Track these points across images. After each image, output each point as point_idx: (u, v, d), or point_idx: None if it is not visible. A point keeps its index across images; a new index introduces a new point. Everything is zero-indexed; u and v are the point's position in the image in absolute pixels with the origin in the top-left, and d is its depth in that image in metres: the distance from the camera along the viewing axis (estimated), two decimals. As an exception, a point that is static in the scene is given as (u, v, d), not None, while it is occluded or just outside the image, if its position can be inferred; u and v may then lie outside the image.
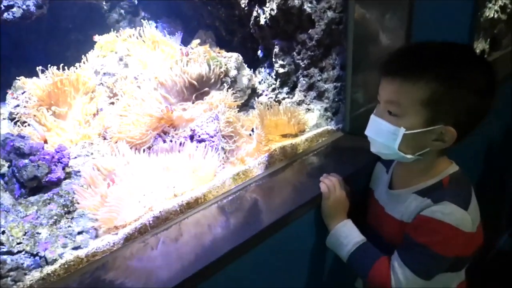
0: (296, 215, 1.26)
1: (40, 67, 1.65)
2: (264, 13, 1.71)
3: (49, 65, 1.65)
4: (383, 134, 1.11)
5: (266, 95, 1.78)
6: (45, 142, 1.36)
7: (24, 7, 1.70)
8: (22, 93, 1.68)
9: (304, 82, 1.71)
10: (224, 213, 1.27)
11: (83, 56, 1.75)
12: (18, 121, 1.63)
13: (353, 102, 1.67)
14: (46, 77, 1.65)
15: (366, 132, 1.18)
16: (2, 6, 1.64)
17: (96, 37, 1.73)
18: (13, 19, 1.67)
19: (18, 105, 1.66)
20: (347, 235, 1.24)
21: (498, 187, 2.80)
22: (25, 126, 1.57)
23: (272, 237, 1.19)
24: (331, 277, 1.52)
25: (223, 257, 1.05)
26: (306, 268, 1.42)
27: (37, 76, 1.67)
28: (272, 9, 1.65)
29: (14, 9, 1.65)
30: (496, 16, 2.82)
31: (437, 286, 1.20)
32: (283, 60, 1.73)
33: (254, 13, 1.75)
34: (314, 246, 1.40)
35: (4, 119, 1.75)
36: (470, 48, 1.13)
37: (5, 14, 1.67)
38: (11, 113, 1.67)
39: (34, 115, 1.57)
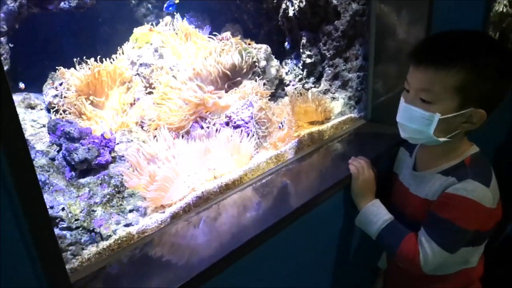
0: (323, 198, 1.33)
1: (77, 59, 1.73)
2: (292, 6, 1.78)
3: (77, 58, 1.72)
4: (416, 120, 1.17)
5: (293, 85, 1.86)
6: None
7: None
8: (60, 84, 1.76)
9: (329, 71, 1.79)
10: (258, 195, 1.36)
11: (118, 48, 1.83)
12: (57, 110, 1.71)
13: (375, 91, 1.75)
14: (83, 68, 1.73)
15: (398, 119, 1.24)
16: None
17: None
18: (68, 8, 1.73)
19: (56, 95, 1.75)
20: (377, 213, 1.31)
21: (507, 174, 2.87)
22: (67, 114, 1.65)
23: (302, 218, 1.27)
24: (356, 256, 1.61)
25: (257, 237, 1.13)
26: (333, 248, 1.51)
27: (71, 67, 1.75)
28: (300, 1, 1.73)
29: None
30: (505, 10, 2.88)
31: (460, 259, 1.29)
32: (310, 50, 1.81)
33: (283, 6, 1.83)
34: (340, 226, 1.48)
35: (41, 109, 1.83)
36: (488, 35, 1.20)
37: (62, 3, 1.72)
38: (50, 103, 1.76)
39: (75, 105, 1.65)
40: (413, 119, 1.18)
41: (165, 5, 1.89)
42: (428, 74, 1.13)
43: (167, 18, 1.89)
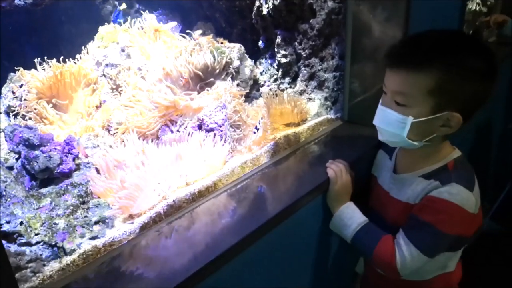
0: (301, 204, 1.29)
1: (38, 59, 1.63)
2: (266, 3, 1.73)
3: (39, 58, 1.62)
4: (391, 124, 1.15)
5: (268, 85, 1.80)
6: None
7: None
8: (20, 86, 1.65)
9: (305, 71, 1.74)
10: (233, 202, 1.30)
11: (83, 47, 1.73)
12: (17, 114, 1.61)
13: (351, 92, 1.72)
14: (44, 69, 1.63)
15: (374, 122, 1.22)
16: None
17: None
18: (24, 5, 1.61)
19: (16, 97, 1.64)
20: (351, 216, 1.29)
21: (481, 171, 2.92)
22: (27, 119, 1.55)
23: (279, 225, 1.22)
24: (335, 261, 1.57)
25: (233, 248, 1.07)
26: (312, 254, 1.46)
27: (33, 69, 1.65)
28: (275, -1, 1.68)
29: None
30: (478, 8, 2.91)
31: (438, 264, 1.27)
32: (285, 50, 1.75)
33: (257, 3, 1.77)
34: (319, 231, 1.44)
35: (0, 113, 1.72)
36: (469, 35, 1.17)
37: (16, 0, 1.61)
38: (9, 107, 1.65)
39: (35, 109, 1.55)
40: (389, 122, 1.16)
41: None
42: (401, 77, 1.11)
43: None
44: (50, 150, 1.23)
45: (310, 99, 1.75)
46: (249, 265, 1.18)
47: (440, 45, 1.10)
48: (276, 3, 1.69)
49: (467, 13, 2.75)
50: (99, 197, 1.21)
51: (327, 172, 1.35)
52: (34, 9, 1.72)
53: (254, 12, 1.81)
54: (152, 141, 1.40)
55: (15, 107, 1.61)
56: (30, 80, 1.59)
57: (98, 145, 1.46)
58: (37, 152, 1.23)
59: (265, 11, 1.75)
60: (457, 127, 1.11)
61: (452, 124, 1.11)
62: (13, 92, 1.66)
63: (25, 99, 1.58)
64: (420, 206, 1.17)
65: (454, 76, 1.06)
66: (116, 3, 2.09)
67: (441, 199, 1.12)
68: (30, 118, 1.54)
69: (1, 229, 0.70)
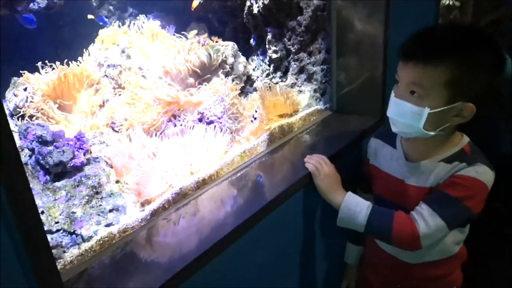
0: (297, 188, 1.37)
1: (40, 63, 1.70)
2: (257, 3, 1.83)
3: (40, 62, 1.68)
4: (407, 115, 1.18)
5: (260, 80, 1.90)
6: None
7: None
8: (25, 89, 1.72)
9: (295, 66, 1.85)
10: (234, 189, 1.39)
11: (84, 50, 1.81)
12: (23, 116, 1.67)
13: (338, 83, 1.83)
14: (47, 72, 1.70)
15: (389, 114, 1.24)
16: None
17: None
18: (38, 10, 1.67)
19: (22, 100, 1.71)
20: (357, 202, 1.28)
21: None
22: (34, 120, 1.62)
23: (277, 209, 1.30)
24: (326, 250, 1.66)
25: (235, 231, 1.15)
26: (304, 239, 1.53)
27: (35, 72, 1.72)
28: (264, -2, 1.79)
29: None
30: (451, 3, 3.06)
31: (443, 246, 1.32)
32: (275, 46, 1.86)
33: (248, 3, 1.88)
34: (314, 215, 1.53)
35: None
36: (478, 29, 1.23)
37: (31, 4, 1.66)
38: (14, 109, 1.71)
39: (42, 109, 1.63)
40: (403, 114, 1.19)
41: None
42: (417, 70, 1.15)
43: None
44: (63, 145, 1.31)
45: (300, 91, 1.86)
46: (252, 245, 1.27)
47: (455, 39, 1.16)
48: (266, 2, 1.80)
49: (441, 7, 2.89)
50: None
51: (307, 167, 1.37)
52: (46, 13, 1.77)
53: (245, 11, 1.92)
54: (156, 135, 1.49)
55: (20, 109, 1.68)
56: (35, 83, 1.66)
57: (104, 142, 1.54)
58: (50, 147, 1.31)
59: (255, 10, 1.85)
60: (470, 116, 1.17)
61: (465, 114, 1.16)
62: (15, 95, 1.73)
63: (31, 101, 1.66)
64: (448, 183, 1.20)
65: (468, 69, 1.12)
66: (111, 7, 2.17)
67: (470, 177, 1.17)
68: (37, 118, 1.62)
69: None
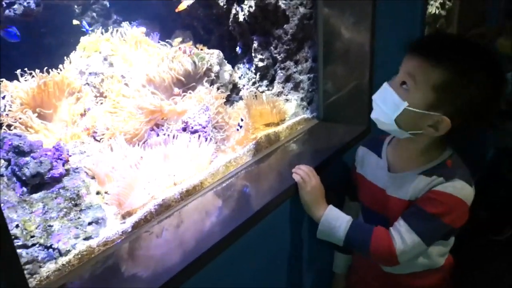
0: (283, 198, 1.34)
1: (19, 71, 1.65)
2: (242, 11, 1.81)
3: (19, 70, 1.63)
4: (387, 103, 1.19)
5: (247, 89, 1.88)
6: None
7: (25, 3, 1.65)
8: (3, 97, 1.67)
9: (281, 74, 1.83)
10: (219, 199, 1.36)
11: (65, 57, 1.77)
12: (0, 125, 1.62)
13: (325, 92, 1.81)
14: (26, 80, 1.65)
15: (374, 96, 1.26)
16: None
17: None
18: (14, 17, 1.63)
19: (-1, 108, 1.65)
20: (337, 217, 1.29)
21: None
22: (12, 129, 1.57)
23: (263, 220, 1.28)
24: (312, 261, 1.63)
25: (220, 242, 1.12)
26: (292, 249, 1.50)
27: (14, 80, 1.66)
28: (250, 6, 1.76)
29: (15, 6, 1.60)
30: (437, 12, 3.08)
31: (427, 259, 1.32)
32: (261, 54, 1.84)
33: (233, 11, 1.85)
34: (301, 224, 1.50)
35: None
36: (489, 49, 1.22)
37: (7, 11, 1.62)
38: (-10, 118, 1.66)
39: (20, 118, 1.57)
40: (385, 100, 1.21)
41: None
42: (418, 62, 1.16)
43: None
44: (41, 156, 1.26)
45: (287, 100, 1.84)
46: (239, 257, 1.24)
47: (460, 48, 1.18)
48: (251, 10, 1.78)
49: (427, 16, 2.91)
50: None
51: (294, 178, 1.35)
52: (23, 20, 1.73)
53: (231, 19, 1.90)
54: (138, 145, 1.45)
55: (-1, 118, 1.63)
56: (13, 91, 1.61)
57: (85, 151, 1.50)
58: (27, 158, 1.26)
59: (241, 18, 1.83)
60: (443, 132, 1.16)
61: (440, 128, 1.16)
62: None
63: (9, 110, 1.60)
64: (424, 199, 1.20)
65: (458, 82, 1.12)
66: (94, 14, 2.13)
67: (446, 193, 1.17)
68: (15, 128, 1.56)
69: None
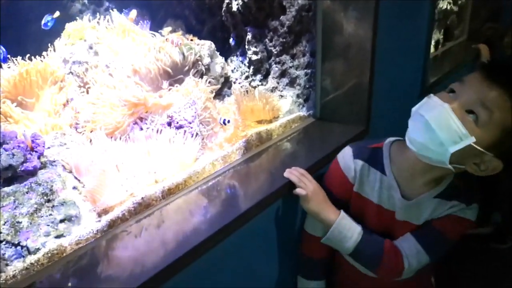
0: (271, 201, 1.28)
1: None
2: (236, 0, 1.72)
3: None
4: (447, 130, 0.98)
5: (239, 83, 1.80)
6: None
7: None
8: (-16, 85, 1.60)
9: (276, 69, 1.75)
10: (204, 199, 1.28)
11: (49, 45, 1.69)
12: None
13: (323, 89, 1.74)
14: (9, 67, 1.58)
15: (428, 117, 1.01)
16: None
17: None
18: None
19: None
20: (350, 226, 1.21)
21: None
22: (-10, 118, 1.50)
23: (249, 222, 1.22)
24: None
25: (203, 244, 1.07)
26: (279, 252, 1.45)
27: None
28: (244, -4, 1.68)
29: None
30: (449, 7, 2.98)
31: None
32: (255, 47, 1.75)
33: (226, 0, 1.77)
34: (289, 228, 1.44)
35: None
36: None
37: None
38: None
39: None
40: (443, 126, 0.99)
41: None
42: (500, 97, 0.96)
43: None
44: (14, 148, 1.19)
45: (282, 96, 1.76)
46: (220, 261, 1.18)
47: None
48: (245, 0, 1.69)
49: (438, 12, 2.81)
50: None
51: (296, 192, 1.26)
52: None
53: (223, 9, 1.81)
54: (120, 138, 1.37)
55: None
56: (-6, 79, 1.54)
57: (65, 143, 1.42)
58: (-1, 150, 1.19)
59: (234, 8, 1.75)
60: (490, 173, 1.03)
61: (484, 168, 1.02)
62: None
63: (-11, 98, 1.53)
64: (443, 223, 1.17)
65: None
66: (85, 1, 2.05)
67: (466, 219, 1.16)
68: (-7, 116, 1.49)
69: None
